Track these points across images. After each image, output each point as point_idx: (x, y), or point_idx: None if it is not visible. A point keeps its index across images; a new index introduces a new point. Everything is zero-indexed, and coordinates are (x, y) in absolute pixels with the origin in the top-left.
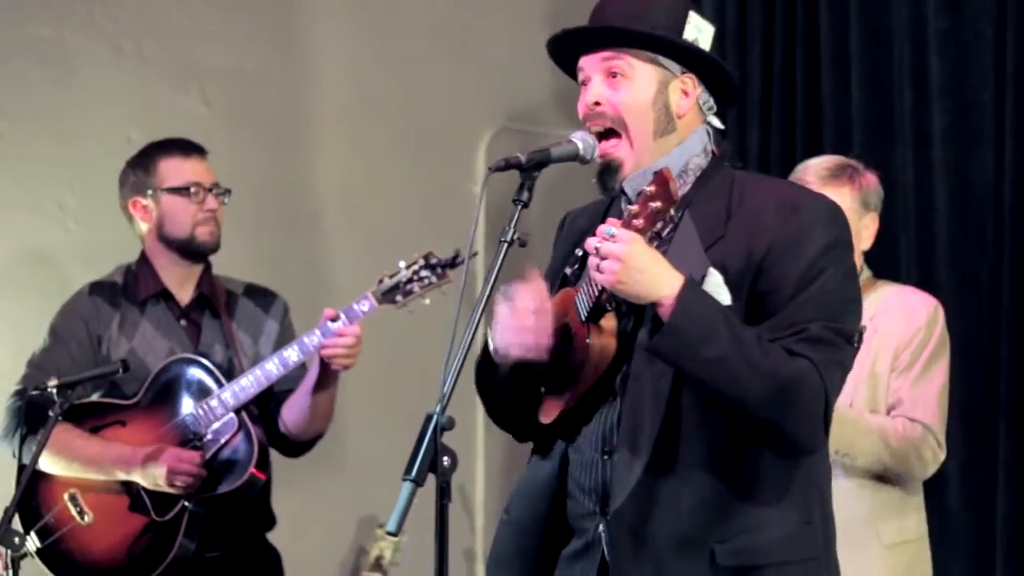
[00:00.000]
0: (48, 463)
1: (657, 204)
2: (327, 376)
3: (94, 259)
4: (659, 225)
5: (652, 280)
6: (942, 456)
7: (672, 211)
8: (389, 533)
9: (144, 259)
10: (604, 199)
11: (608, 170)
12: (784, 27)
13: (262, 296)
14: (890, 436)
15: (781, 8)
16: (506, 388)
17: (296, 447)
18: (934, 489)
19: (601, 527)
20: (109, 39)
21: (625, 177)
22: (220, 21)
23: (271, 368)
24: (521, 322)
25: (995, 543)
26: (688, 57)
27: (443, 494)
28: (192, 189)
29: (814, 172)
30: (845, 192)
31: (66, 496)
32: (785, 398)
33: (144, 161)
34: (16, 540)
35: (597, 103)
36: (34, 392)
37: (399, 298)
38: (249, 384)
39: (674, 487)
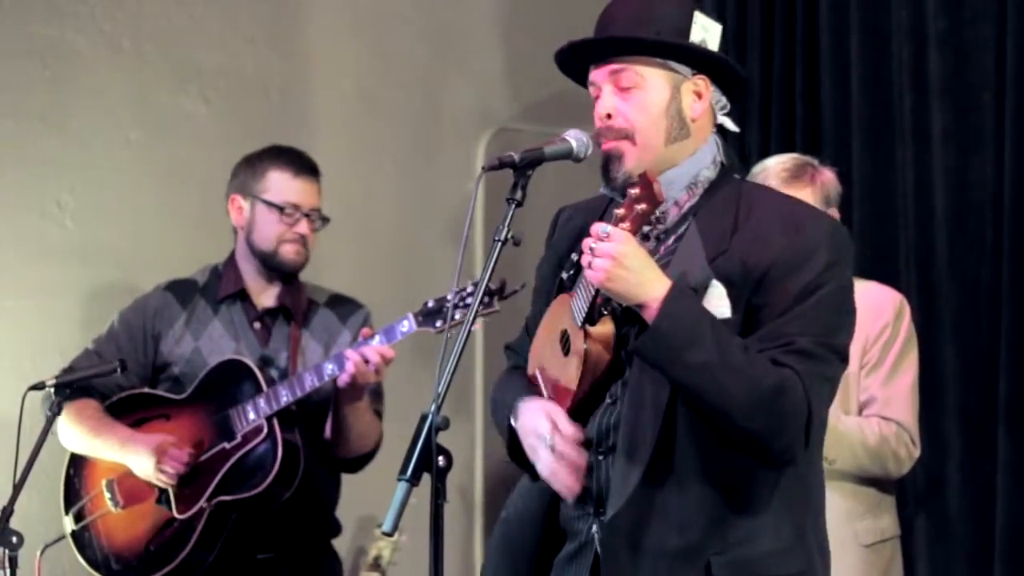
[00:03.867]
0: (68, 435)
1: (643, 206)
2: (338, 392)
3: (91, 257)
4: (646, 227)
5: (640, 281)
6: (916, 453)
7: (657, 213)
8: (384, 533)
9: (232, 258)
10: (601, 198)
11: (609, 159)
12: (783, 28)
13: (343, 306)
14: (868, 437)
15: (781, 9)
16: None
17: (341, 464)
18: (933, 493)
19: (595, 528)
20: (109, 39)
21: (627, 168)
22: (220, 22)
23: (307, 380)
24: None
25: (994, 547)
26: (698, 59)
27: (438, 494)
28: (287, 209)
29: (775, 174)
30: (807, 192)
31: (103, 482)
32: (767, 407)
33: (256, 164)
34: (14, 539)
35: (609, 115)
36: (33, 391)
37: (439, 323)
38: (284, 393)
39: (670, 497)
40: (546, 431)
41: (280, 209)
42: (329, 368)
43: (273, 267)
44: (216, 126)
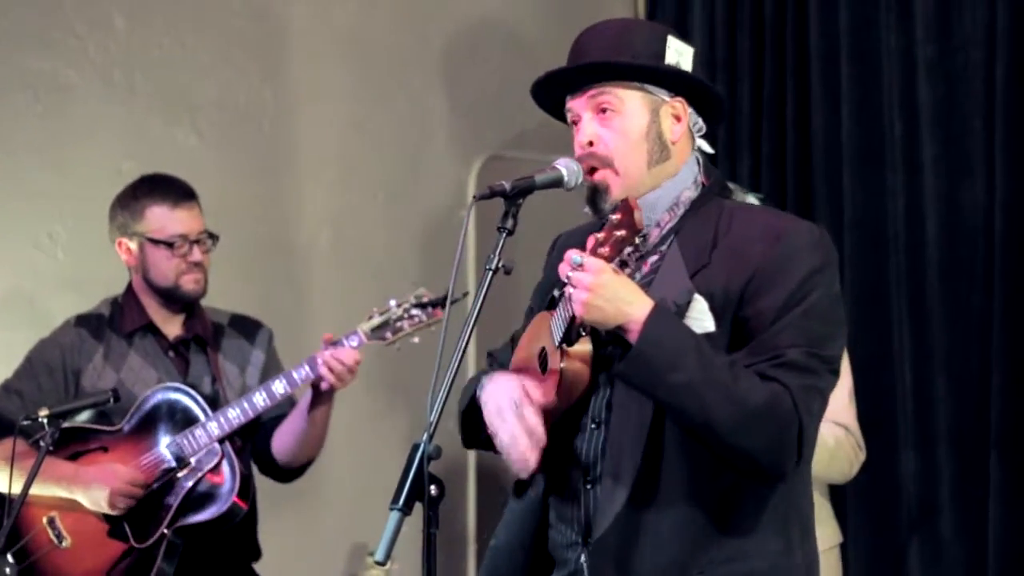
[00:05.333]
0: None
1: (622, 233)
2: (319, 396)
3: (84, 290)
4: (625, 253)
5: (620, 307)
6: (863, 457)
7: (637, 240)
8: (377, 562)
9: (131, 292)
10: (595, 222)
11: (596, 192)
12: (774, 55)
13: (247, 326)
14: (827, 440)
15: (771, 36)
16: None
17: (287, 473)
18: (926, 518)
19: (583, 557)
20: (101, 71)
21: (614, 199)
22: (211, 53)
23: (258, 400)
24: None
25: (987, 572)
26: (674, 81)
27: (430, 523)
28: (176, 243)
29: None
30: None
31: (44, 520)
32: (754, 424)
33: (132, 204)
34: (7, 571)
35: (591, 143)
36: (25, 422)
37: (388, 335)
38: (235, 416)
39: (656, 516)
40: (517, 396)
41: (169, 245)
42: (280, 389)
43: (176, 300)
44: (208, 157)
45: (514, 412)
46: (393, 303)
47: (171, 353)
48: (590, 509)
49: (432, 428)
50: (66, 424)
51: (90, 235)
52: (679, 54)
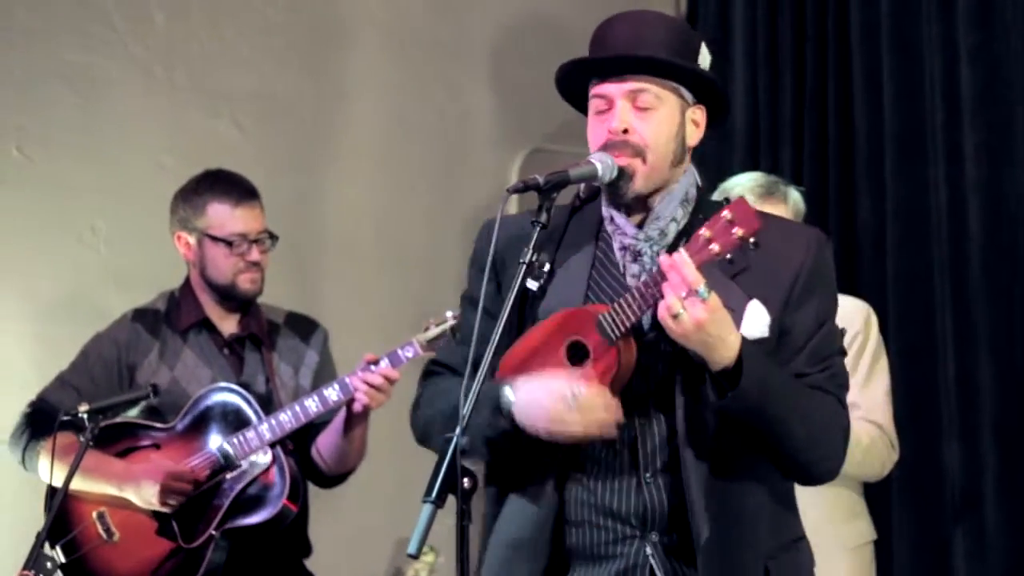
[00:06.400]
0: (51, 469)
1: (740, 231)
2: (352, 416)
3: (126, 283)
4: (737, 252)
5: (717, 345)
6: (895, 457)
7: (752, 240)
8: (409, 555)
9: (188, 287)
10: (524, 216)
11: (622, 176)
12: (815, 45)
13: (303, 326)
14: (862, 437)
15: (812, 27)
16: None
17: (328, 480)
18: (970, 508)
19: (648, 550)
20: (141, 65)
21: (636, 188)
22: (251, 46)
23: (310, 405)
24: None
25: None
26: (705, 90)
27: (463, 515)
28: (235, 242)
29: (749, 189)
30: (782, 208)
31: (94, 514)
32: (823, 439)
33: (194, 199)
34: (48, 565)
35: (626, 130)
36: (65, 417)
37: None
38: (287, 420)
39: (729, 506)
40: (568, 389)
41: (228, 243)
42: (334, 396)
43: (232, 298)
44: (249, 150)
45: (570, 407)
46: (449, 314)
47: (226, 351)
48: (654, 501)
49: (464, 421)
50: (119, 420)
51: (132, 229)
52: (704, 59)
